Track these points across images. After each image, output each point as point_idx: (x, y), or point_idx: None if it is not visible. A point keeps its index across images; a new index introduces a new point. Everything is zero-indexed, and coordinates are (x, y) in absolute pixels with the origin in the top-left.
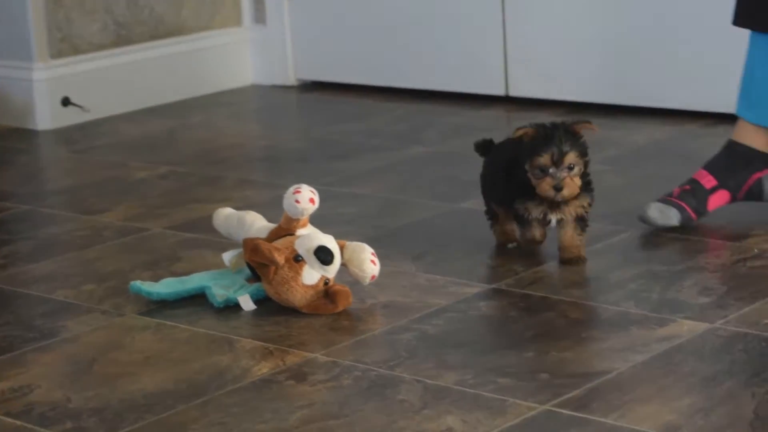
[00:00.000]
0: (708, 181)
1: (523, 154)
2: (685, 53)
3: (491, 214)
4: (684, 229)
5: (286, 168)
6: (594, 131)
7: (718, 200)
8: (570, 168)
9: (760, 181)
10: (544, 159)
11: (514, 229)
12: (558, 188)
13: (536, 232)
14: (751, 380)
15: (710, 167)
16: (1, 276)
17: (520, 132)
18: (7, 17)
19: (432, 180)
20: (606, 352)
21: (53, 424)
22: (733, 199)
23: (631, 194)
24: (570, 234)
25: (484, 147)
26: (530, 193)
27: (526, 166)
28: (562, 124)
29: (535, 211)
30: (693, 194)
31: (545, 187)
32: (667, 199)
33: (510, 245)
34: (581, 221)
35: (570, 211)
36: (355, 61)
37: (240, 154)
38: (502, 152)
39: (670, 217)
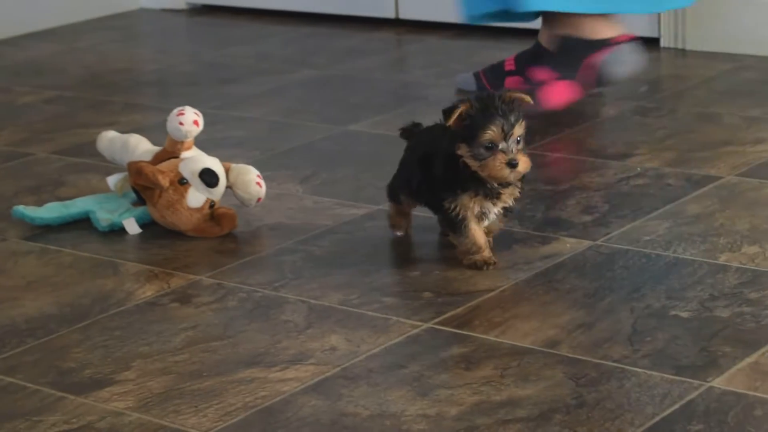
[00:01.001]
0: (541, 75)
1: (464, 134)
2: None
3: (395, 198)
4: (569, 148)
5: (174, 92)
6: (528, 104)
7: (561, 93)
8: (518, 142)
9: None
10: (493, 132)
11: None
12: (513, 164)
13: (483, 243)
14: (630, 296)
15: (541, 61)
16: None
17: (457, 112)
18: None
19: (321, 103)
20: (489, 271)
21: None
22: (581, 87)
23: None
24: (496, 226)
25: (409, 132)
26: (454, 188)
27: (465, 150)
28: (498, 94)
29: (474, 207)
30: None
31: (497, 165)
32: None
33: (399, 233)
34: (509, 210)
35: (508, 198)
36: None
37: (128, 78)
38: (422, 141)
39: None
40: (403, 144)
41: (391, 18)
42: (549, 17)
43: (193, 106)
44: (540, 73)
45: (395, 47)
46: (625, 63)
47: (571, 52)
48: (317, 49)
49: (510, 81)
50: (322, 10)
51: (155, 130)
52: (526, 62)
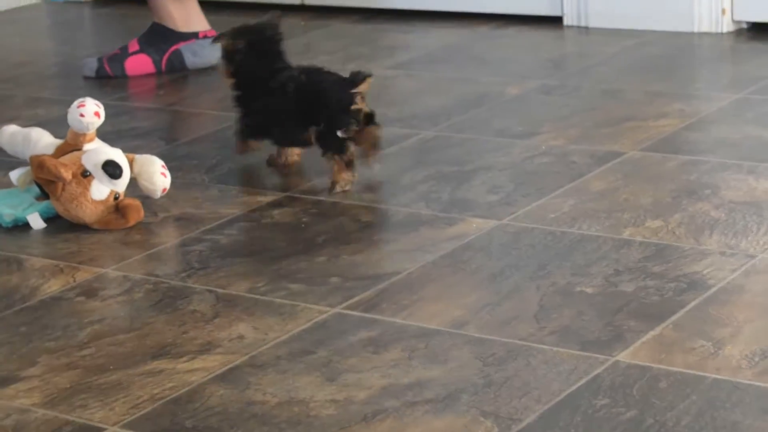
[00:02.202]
0: (132, 46)
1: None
2: None
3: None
4: (474, 129)
5: (77, 85)
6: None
7: (139, 64)
8: None
9: (179, 51)
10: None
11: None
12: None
13: None
14: (536, 273)
15: (139, 41)
16: None
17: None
18: None
19: (224, 91)
20: (396, 254)
21: None
22: (158, 68)
23: (422, 98)
24: None
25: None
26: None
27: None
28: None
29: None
30: (116, 56)
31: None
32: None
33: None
34: None
35: None
36: None
37: (30, 72)
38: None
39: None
40: None
41: (296, 4)
42: (150, 4)
43: (97, 98)
44: (132, 45)
45: (301, 33)
46: (200, 57)
47: (161, 37)
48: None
49: (131, 61)
50: None
51: (59, 124)
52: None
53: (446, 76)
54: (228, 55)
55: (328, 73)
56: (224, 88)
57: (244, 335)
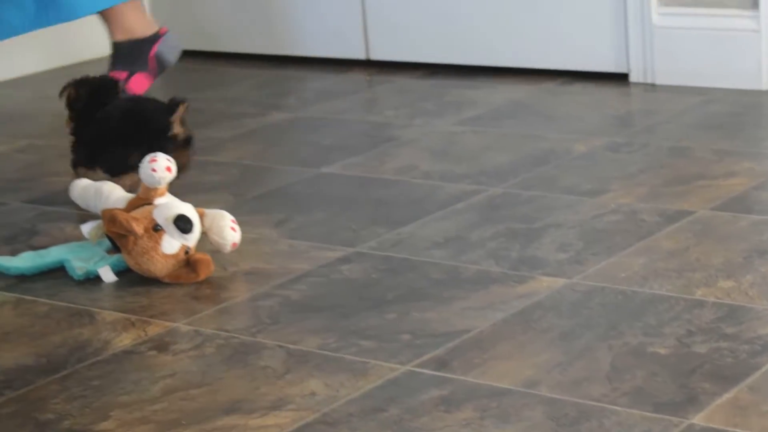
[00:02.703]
0: (121, 75)
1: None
2: (540, 13)
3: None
4: (542, 186)
5: None
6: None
7: (140, 84)
8: None
9: (157, 54)
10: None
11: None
12: None
13: None
14: (607, 333)
15: (116, 65)
16: None
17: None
18: None
19: (293, 146)
20: (467, 312)
21: None
22: (151, 75)
23: (490, 154)
24: None
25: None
26: None
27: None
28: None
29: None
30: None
31: None
32: None
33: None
34: None
35: None
36: (214, 28)
37: None
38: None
39: None
40: (377, 183)
41: (361, 59)
42: (106, 23)
43: (164, 153)
44: (118, 74)
45: (366, 88)
46: (174, 48)
47: (135, 51)
48: (288, 92)
49: (132, 87)
50: (292, 53)
51: None
52: (114, 65)
53: (513, 133)
54: (70, 103)
55: (151, 100)
56: (292, 142)
57: (315, 392)
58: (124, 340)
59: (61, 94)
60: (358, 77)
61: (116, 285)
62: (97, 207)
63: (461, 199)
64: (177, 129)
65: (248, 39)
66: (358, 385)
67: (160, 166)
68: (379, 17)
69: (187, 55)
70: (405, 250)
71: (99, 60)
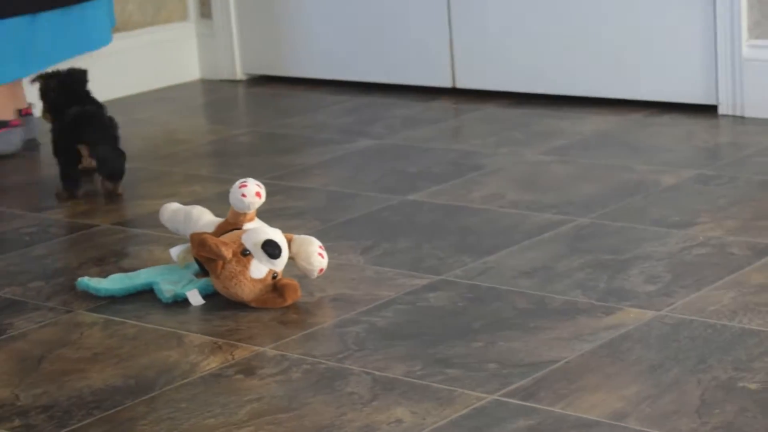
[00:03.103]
0: None
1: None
2: (629, 44)
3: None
4: (630, 217)
5: (233, 162)
6: None
7: None
8: None
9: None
10: None
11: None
12: None
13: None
14: (697, 367)
15: None
16: None
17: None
18: None
19: (379, 173)
20: (554, 342)
21: (1, 422)
22: None
23: (577, 184)
24: None
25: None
26: None
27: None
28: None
29: None
30: None
31: None
32: None
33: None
34: None
35: None
36: (302, 54)
37: (187, 149)
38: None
39: None
40: (463, 211)
41: (447, 87)
42: None
43: (252, 176)
44: None
45: (452, 116)
46: (9, 144)
47: None
48: (374, 119)
49: None
50: (378, 80)
51: (214, 201)
52: None
53: (600, 163)
54: (43, 94)
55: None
56: (378, 169)
57: (402, 419)
58: (212, 363)
59: (33, 81)
60: (444, 105)
61: (203, 308)
62: (186, 231)
63: (548, 229)
64: None
65: (335, 65)
66: (445, 413)
67: (250, 192)
68: (466, 45)
69: (274, 80)
70: (491, 279)
71: (182, 85)
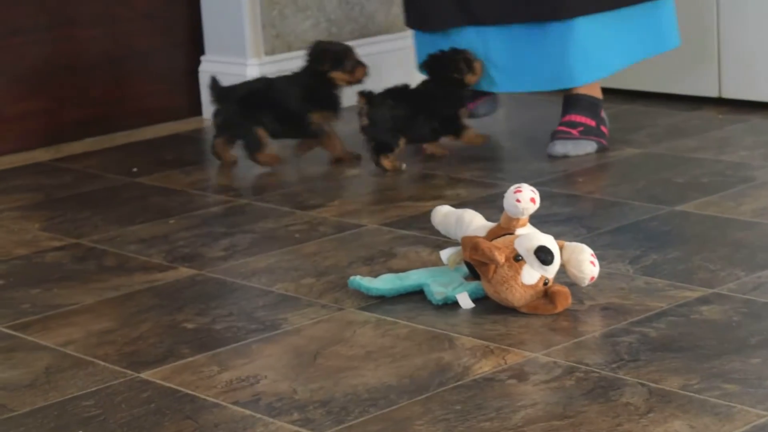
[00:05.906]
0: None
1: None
2: None
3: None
4: None
5: (497, 167)
6: None
7: None
8: None
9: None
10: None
11: None
12: None
13: None
14: None
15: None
16: (223, 267)
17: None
18: (223, 14)
19: (645, 182)
20: None
21: (280, 415)
22: None
23: None
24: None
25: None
26: None
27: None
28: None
29: None
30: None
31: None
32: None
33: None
34: None
35: None
36: None
37: (450, 153)
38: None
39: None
40: (734, 224)
41: (713, 97)
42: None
43: (514, 181)
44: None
45: (717, 126)
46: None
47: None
48: (637, 127)
49: None
50: (641, 88)
51: (477, 204)
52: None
53: None
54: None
55: None
56: (644, 178)
57: None
58: (484, 367)
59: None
60: (708, 115)
61: (473, 312)
62: (457, 234)
63: None
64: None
65: None
66: (724, 429)
67: (525, 197)
68: (735, 55)
69: None
70: (766, 294)
71: None
